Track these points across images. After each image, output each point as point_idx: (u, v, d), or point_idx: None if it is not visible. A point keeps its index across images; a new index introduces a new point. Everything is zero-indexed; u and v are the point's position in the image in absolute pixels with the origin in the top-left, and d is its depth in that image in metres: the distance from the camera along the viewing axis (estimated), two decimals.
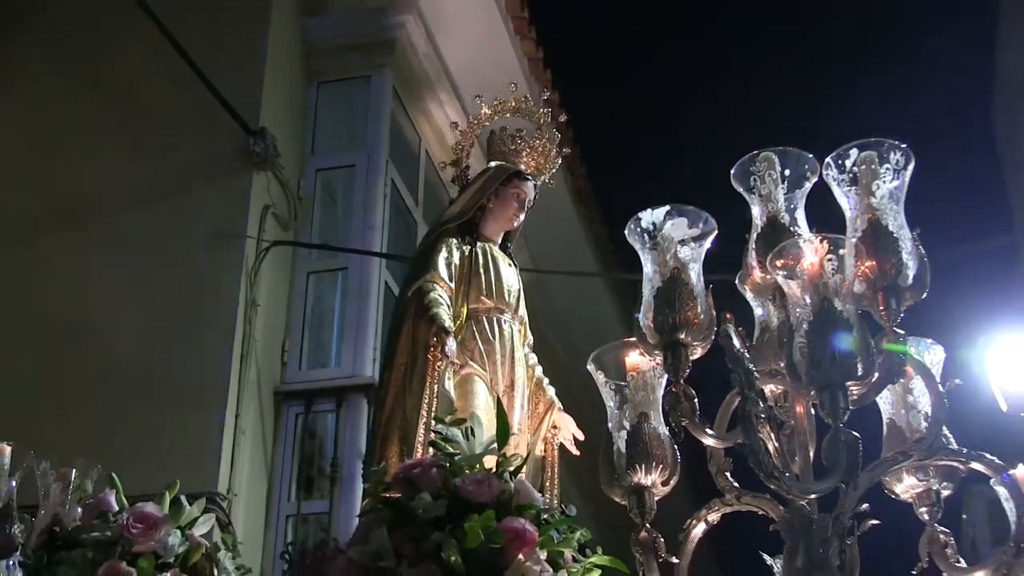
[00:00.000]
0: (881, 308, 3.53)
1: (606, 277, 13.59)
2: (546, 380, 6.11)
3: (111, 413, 7.97)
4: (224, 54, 8.73)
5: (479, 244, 6.17)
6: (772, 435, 3.61)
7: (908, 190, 3.63)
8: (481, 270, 6.07)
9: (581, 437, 6.01)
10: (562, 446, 6.12)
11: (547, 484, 5.88)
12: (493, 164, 6.31)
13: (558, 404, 6.12)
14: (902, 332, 3.55)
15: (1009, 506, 4.35)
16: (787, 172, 3.91)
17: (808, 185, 3.93)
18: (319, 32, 9.70)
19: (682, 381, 3.67)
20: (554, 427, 6.01)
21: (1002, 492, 4.47)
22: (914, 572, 3.89)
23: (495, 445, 4.29)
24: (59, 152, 8.91)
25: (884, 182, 3.64)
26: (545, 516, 4.13)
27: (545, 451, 5.97)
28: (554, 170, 6.47)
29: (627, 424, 3.86)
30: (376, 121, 9.47)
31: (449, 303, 5.87)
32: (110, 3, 8.36)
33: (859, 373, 3.43)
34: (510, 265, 6.25)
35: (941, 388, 3.79)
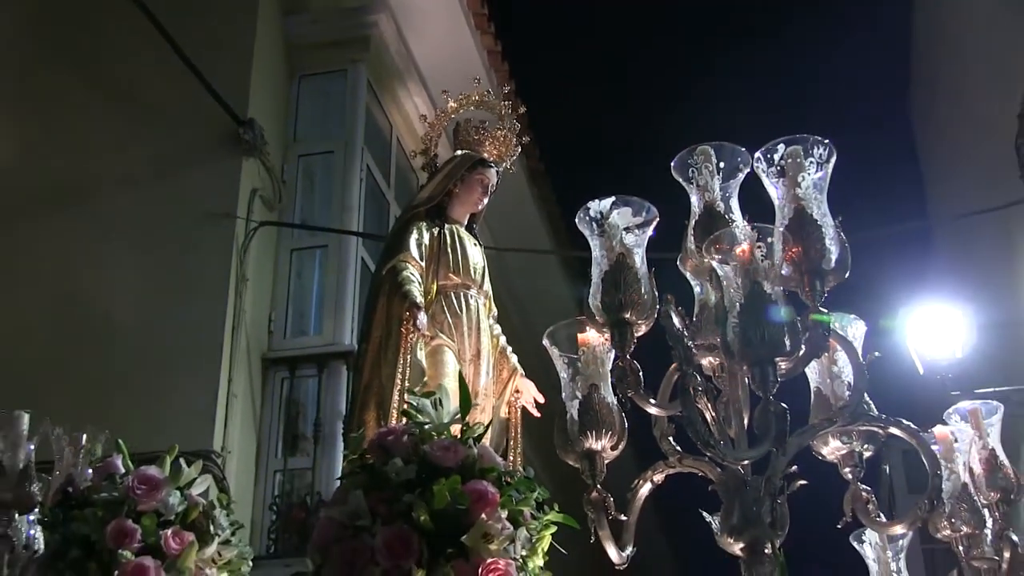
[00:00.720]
0: (807, 289, 3.53)
1: (558, 254, 13.59)
2: (509, 349, 6.17)
3: (117, 380, 8.01)
4: (215, 51, 8.74)
5: (447, 226, 6.21)
6: (709, 406, 3.63)
7: (834, 178, 3.64)
8: (449, 250, 6.11)
9: (542, 400, 6.05)
10: (524, 408, 6.17)
11: (511, 443, 5.95)
12: (459, 153, 6.36)
13: (520, 371, 6.17)
14: (826, 310, 3.58)
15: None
16: (722, 164, 3.87)
17: (741, 176, 3.88)
18: (300, 30, 9.70)
19: (628, 356, 3.66)
20: (517, 391, 6.08)
21: None
22: (839, 526, 3.90)
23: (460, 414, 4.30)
24: (69, 141, 8.91)
25: (808, 174, 3.62)
26: (506, 478, 4.14)
27: (509, 413, 6.04)
28: (514, 157, 6.50)
29: (579, 394, 3.83)
30: (352, 111, 9.49)
31: (420, 280, 5.91)
32: (116, 9, 8.28)
33: (787, 349, 3.43)
34: (475, 245, 6.30)
35: (862, 360, 3.80)
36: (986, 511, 4.44)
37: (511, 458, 5.81)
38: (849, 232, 3.63)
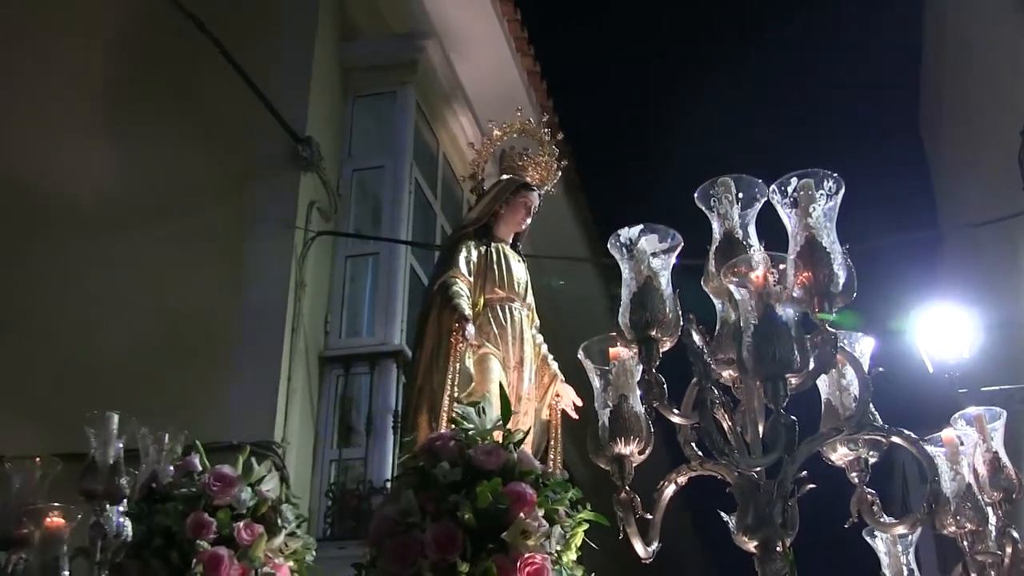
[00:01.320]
0: (816, 311, 3.58)
1: (591, 262, 13.56)
2: (551, 356, 6.24)
3: (189, 377, 8.12)
4: (277, 76, 8.82)
5: (493, 244, 6.31)
6: (726, 416, 3.70)
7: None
8: (495, 266, 6.20)
9: (580, 404, 6.09)
10: (564, 411, 6.23)
11: (552, 442, 6.04)
12: (504, 177, 6.44)
13: (560, 376, 6.23)
14: (833, 331, 3.63)
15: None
16: (740, 195, 3.89)
17: (758, 205, 3.90)
18: (353, 55, 9.74)
19: (653, 369, 3.71)
20: (557, 395, 6.14)
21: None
22: (846, 526, 3.97)
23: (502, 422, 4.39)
24: (150, 161, 9.00)
25: (819, 205, 3.65)
26: (543, 480, 4.21)
27: (550, 415, 6.11)
28: (555, 180, 6.56)
29: (610, 403, 3.87)
30: (402, 129, 9.53)
31: (468, 294, 6.00)
32: (191, 41, 8.41)
33: (796, 366, 3.48)
34: (519, 261, 6.38)
35: (867, 375, 3.83)
36: (989, 509, 4.46)
37: (552, 456, 5.93)
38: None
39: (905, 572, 4.77)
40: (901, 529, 4.00)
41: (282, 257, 8.54)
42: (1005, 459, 4.54)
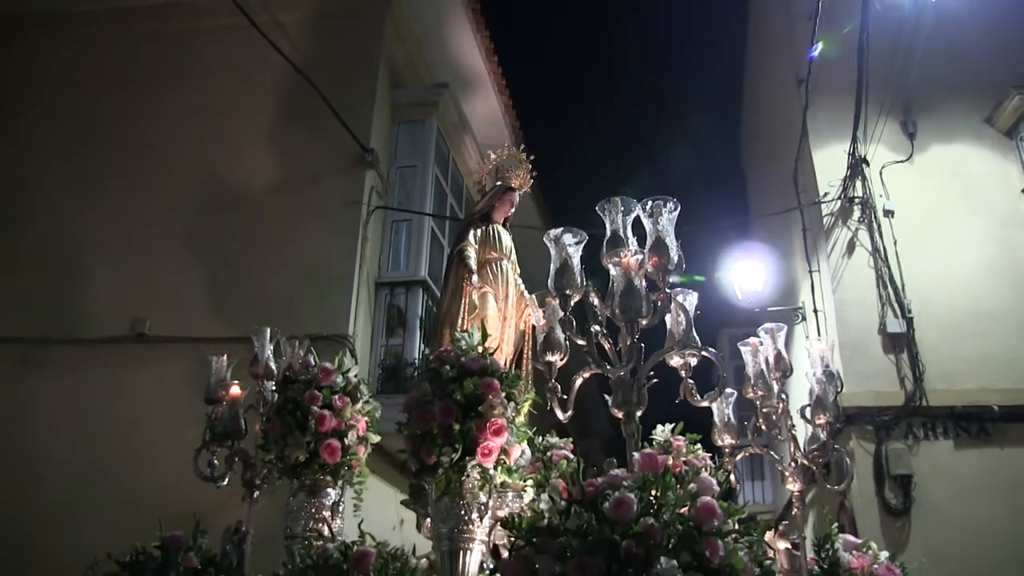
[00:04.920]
0: (660, 280, 3.82)
1: (540, 229, 13.44)
2: (527, 292, 6.20)
3: (304, 293, 8.16)
4: (353, 110, 8.77)
5: (491, 224, 6.29)
6: (608, 341, 3.89)
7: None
8: (491, 238, 6.18)
9: (542, 321, 6.18)
10: (533, 325, 6.30)
11: (526, 343, 6.03)
12: (498, 183, 6.43)
13: (532, 303, 6.32)
14: (670, 291, 3.87)
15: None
16: (622, 207, 3.95)
17: (633, 214, 3.96)
18: (399, 97, 9.66)
19: (568, 313, 3.91)
20: (529, 315, 6.14)
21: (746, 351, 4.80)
22: (676, 401, 4.13)
23: (484, 340, 4.51)
24: (282, 162, 8.98)
25: (663, 217, 3.85)
26: (504, 375, 4.29)
27: (524, 327, 6.08)
28: (529, 184, 6.62)
29: (544, 331, 4.13)
30: (427, 143, 9.48)
31: (475, 256, 6.02)
32: (305, 91, 8.48)
33: (644, 314, 3.74)
34: (507, 234, 6.37)
35: (691, 316, 4.06)
36: (774, 382, 4.75)
37: (526, 353, 5.92)
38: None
39: (727, 419, 5.05)
40: (705, 403, 4.16)
41: (354, 222, 8.53)
42: (784, 353, 4.78)
